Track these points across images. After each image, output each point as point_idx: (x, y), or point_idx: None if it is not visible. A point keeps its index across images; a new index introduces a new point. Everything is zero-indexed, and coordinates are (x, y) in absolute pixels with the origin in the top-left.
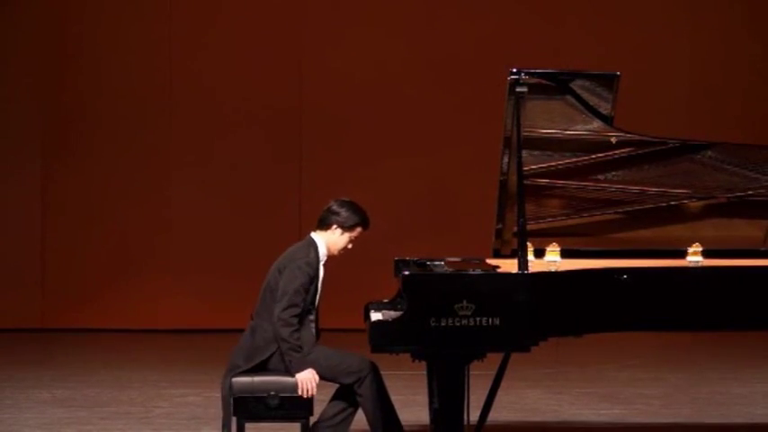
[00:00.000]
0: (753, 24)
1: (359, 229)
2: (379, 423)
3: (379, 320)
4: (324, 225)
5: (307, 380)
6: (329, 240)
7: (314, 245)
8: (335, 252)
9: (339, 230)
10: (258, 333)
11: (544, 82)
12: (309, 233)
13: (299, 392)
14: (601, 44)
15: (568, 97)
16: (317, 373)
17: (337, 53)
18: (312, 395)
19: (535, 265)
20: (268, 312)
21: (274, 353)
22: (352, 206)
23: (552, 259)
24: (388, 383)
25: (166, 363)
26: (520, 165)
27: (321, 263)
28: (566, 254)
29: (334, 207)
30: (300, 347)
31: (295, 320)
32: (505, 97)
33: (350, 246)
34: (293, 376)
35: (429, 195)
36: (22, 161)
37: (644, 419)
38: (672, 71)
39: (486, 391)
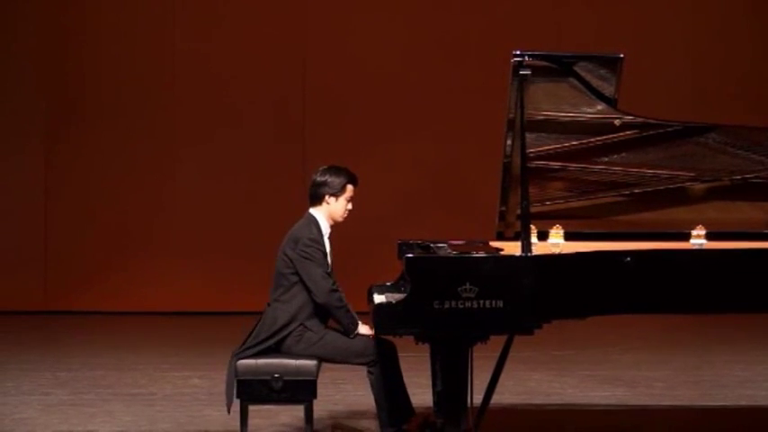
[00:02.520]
0: (754, 4)
1: (350, 188)
2: (385, 407)
3: (382, 303)
4: (317, 200)
5: (367, 331)
6: (328, 211)
7: (314, 221)
8: (339, 218)
9: (333, 198)
10: (275, 315)
11: (547, 64)
12: (308, 209)
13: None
14: (604, 26)
15: (572, 80)
16: (329, 355)
17: (341, 35)
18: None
19: (538, 247)
20: (280, 294)
21: (288, 335)
22: (334, 170)
23: (555, 242)
24: None
25: (170, 345)
26: (523, 147)
27: (326, 237)
28: (569, 236)
29: (318, 179)
30: (348, 308)
31: (334, 287)
32: (509, 80)
33: (349, 206)
34: (351, 335)
35: (432, 178)
36: (26, 144)
37: (647, 402)
38: (674, 53)
39: (490, 374)
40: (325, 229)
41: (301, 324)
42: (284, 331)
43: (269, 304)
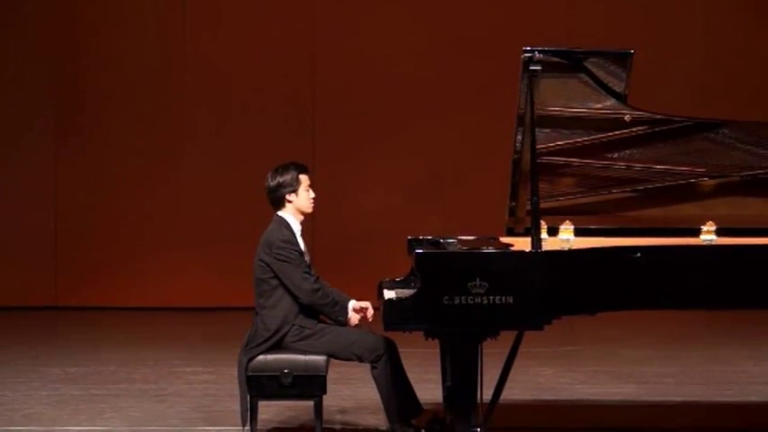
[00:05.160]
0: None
1: (303, 177)
2: (393, 403)
3: (392, 299)
4: (280, 204)
5: (357, 317)
6: (295, 207)
7: (284, 222)
8: (309, 209)
9: (293, 195)
10: (264, 322)
11: (558, 60)
12: (275, 213)
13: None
14: (614, 22)
15: (582, 75)
16: (334, 351)
17: (350, 29)
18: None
19: (548, 243)
20: (265, 300)
21: (286, 333)
22: (281, 169)
23: (566, 237)
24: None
25: (179, 340)
26: (533, 143)
27: (298, 235)
28: (579, 232)
29: (271, 184)
30: (334, 301)
31: (315, 286)
32: (519, 75)
33: (312, 194)
34: (343, 324)
35: (442, 174)
36: (35, 139)
37: (658, 398)
38: (685, 49)
39: (500, 370)
40: (297, 228)
41: (293, 324)
42: (278, 334)
43: (256, 313)
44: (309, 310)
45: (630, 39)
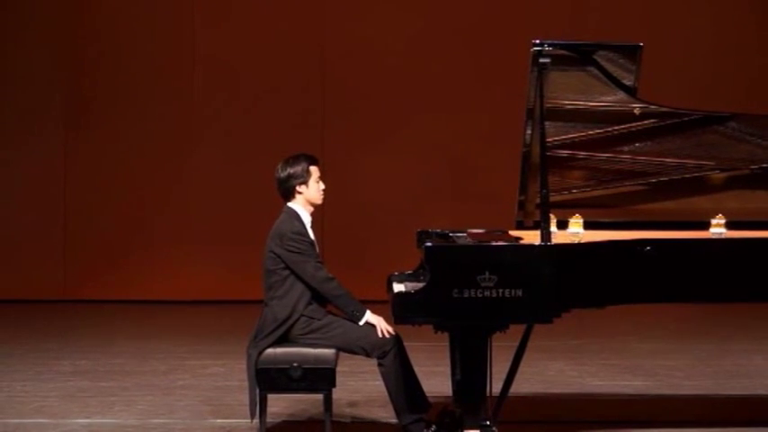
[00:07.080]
0: None
1: (314, 169)
2: (401, 397)
3: (401, 292)
4: (290, 195)
5: (379, 321)
6: (305, 199)
7: (294, 214)
8: (319, 201)
9: (303, 186)
10: (273, 312)
11: (567, 53)
12: (285, 204)
13: (379, 334)
14: (622, 14)
15: (591, 68)
16: (341, 346)
17: (359, 23)
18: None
19: (558, 236)
20: (274, 291)
21: (292, 326)
22: (291, 160)
23: (575, 231)
24: (410, 355)
25: (189, 334)
26: (543, 136)
27: (308, 226)
28: (589, 225)
29: (282, 176)
30: (348, 292)
31: (330, 275)
32: (528, 68)
33: (322, 186)
34: (358, 322)
35: (452, 167)
36: (45, 133)
37: (666, 391)
38: (694, 42)
39: (509, 363)
40: (307, 219)
41: (302, 315)
42: (286, 324)
43: (266, 304)
44: (318, 301)
45: (639, 32)
